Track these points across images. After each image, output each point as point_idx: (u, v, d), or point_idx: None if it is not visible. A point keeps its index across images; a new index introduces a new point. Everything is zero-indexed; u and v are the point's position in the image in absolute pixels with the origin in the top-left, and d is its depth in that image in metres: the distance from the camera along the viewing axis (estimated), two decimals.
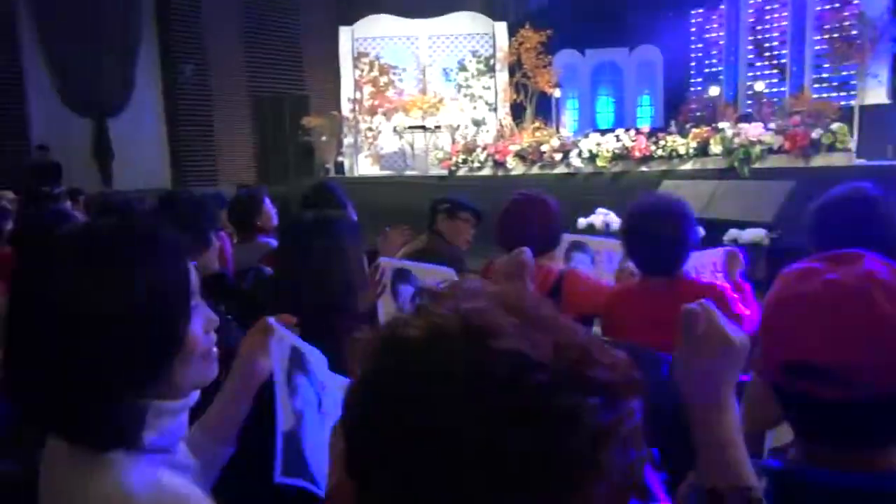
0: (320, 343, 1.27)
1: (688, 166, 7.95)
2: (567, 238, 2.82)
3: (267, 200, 3.57)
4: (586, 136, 9.10)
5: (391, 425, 0.53)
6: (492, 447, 0.50)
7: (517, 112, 11.07)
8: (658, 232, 2.04)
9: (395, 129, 11.52)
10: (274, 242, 3.49)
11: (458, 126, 11.27)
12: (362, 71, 12.20)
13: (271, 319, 1.18)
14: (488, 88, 12.12)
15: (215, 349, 0.97)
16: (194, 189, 7.15)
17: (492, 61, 12.05)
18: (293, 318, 1.24)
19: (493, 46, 12.15)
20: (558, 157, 8.89)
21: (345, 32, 12.63)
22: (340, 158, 11.80)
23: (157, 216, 2.41)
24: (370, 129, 11.96)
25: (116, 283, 0.84)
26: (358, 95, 12.23)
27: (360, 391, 0.57)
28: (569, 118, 11.71)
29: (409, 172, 10.84)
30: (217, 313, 2.15)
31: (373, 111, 11.87)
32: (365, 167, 12.02)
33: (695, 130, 8.15)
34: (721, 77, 10.76)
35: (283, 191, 7.74)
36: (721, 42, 11.00)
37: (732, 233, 5.77)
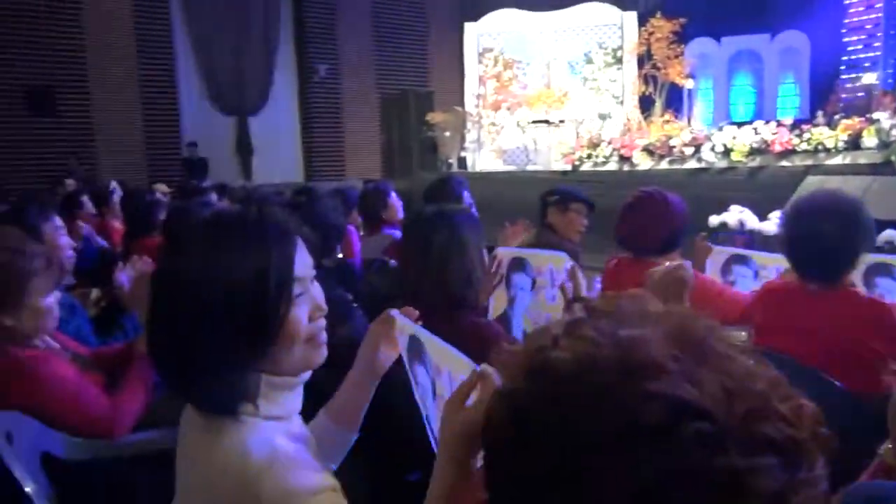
0: (440, 336, 1.29)
1: (836, 161, 7.32)
2: (727, 251, 2.58)
3: (393, 194, 3.67)
4: (720, 128, 8.60)
5: (532, 457, 0.49)
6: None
7: (645, 105, 10.66)
8: (819, 231, 1.84)
9: (518, 124, 11.47)
10: (398, 234, 3.59)
11: (583, 120, 11.03)
12: (486, 66, 12.24)
13: (394, 312, 1.21)
14: (615, 81, 11.78)
15: (323, 335, 1.01)
16: (325, 183, 7.48)
17: (619, 52, 11.69)
18: (415, 312, 1.26)
19: (622, 37, 11.78)
20: (689, 151, 8.47)
21: (470, 28, 12.74)
22: (463, 153, 11.91)
23: (292, 209, 2.54)
24: (493, 124, 11.98)
25: (225, 265, 0.92)
26: (482, 91, 12.29)
27: (502, 410, 0.53)
28: (701, 110, 11.14)
29: (531, 168, 10.76)
30: (345, 302, 2.24)
31: (496, 106, 11.88)
32: (487, 162, 12.07)
33: (845, 122, 7.49)
34: (877, 63, 9.80)
35: (407, 185, 7.93)
36: (878, 24, 10.02)
37: (888, 234, 5.25)
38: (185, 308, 0.92)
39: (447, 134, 11.82)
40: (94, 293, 2.68)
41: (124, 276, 2.40)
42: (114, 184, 5.87)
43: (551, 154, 10.62)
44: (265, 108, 13.52)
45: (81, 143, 11.62)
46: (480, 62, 12.46)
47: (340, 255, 2.89)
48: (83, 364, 1.89)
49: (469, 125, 12.17)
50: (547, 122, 10.84)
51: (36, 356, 1.74)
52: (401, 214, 3.69)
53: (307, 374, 1.03)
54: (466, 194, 3.32)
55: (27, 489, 1.48)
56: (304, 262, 0.99)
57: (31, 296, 1.74)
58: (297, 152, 14.09)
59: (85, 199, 5.61)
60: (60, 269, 2.19)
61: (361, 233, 3.79)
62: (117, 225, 4.98)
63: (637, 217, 2.43)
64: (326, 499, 0.90)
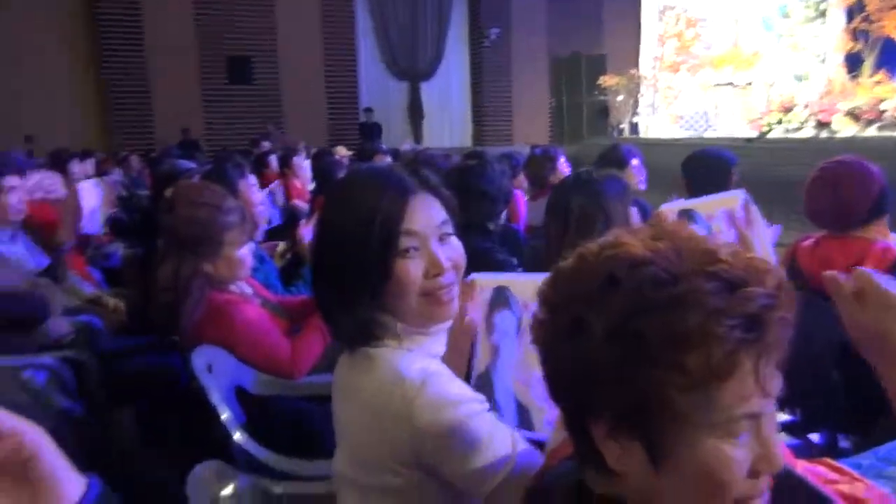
0: None
1: None
2: None
3: (561, 159, 3.60)
4: None
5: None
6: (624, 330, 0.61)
7: (852, 64, 9.47)
8: None
9: (699, 87, 10.73)
10: None
11: (774, 82, 10.05)
12: (666, 25, 11.52)
13: (472, 276, 1.22)
14: (817, 37, 10.57)
15: (447, 293, 1.03)
16: (493, 148, 7.51)
17: (823, 5, 10.45)
18: None
19: None
20: None
21: None
22: (636, 119, 11.39)
23: (461, 172, 2.57)
24: (670, 87, 11.30)
25: (344, 213, 1.01)
26: (660, 52, 11.61)
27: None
28: None
29: (710, 134, 10.05)
30: (509, 266, 2.23)
31: (675, 68, 11.17)
32: (662, 128, 11.45)
33: None
34: None
35: (575, 151, 7.74)
36: None
37: None
38: (324, 253, 1.04)
39: (619, 98, 11.36)
40: (281, 246, 2.91)
41: (306, 230, 2.58)
42: (301, 145, 6.31)
43: (735, 119, 9.83)
44: (437, 73, 13.81)
45: (272, 108, 12.62)
46: (660, 20, 11.75)
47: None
48: (271, 309, 2.07)
49: (643, 89, 11.59)
50: (732, 84, 10.02)
51: (231, 300, 1.93)
52: None
53: (441, 326, 1.06)
54: (637, 162, 3.18)
55: (223, 416, 1.66)
56: (425, 218, 1.01)
57: (227, 247, 1.93)
58: (466, 116, 14.29)
59: (272, 158, 6.10)
60: (253, 223, 2.40)
61: (527, 197, 3.77)
62: (298, 184, 5.37)
63: (826, 189, 2.17)
64: (476, 407, 0.95)
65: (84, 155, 6.32)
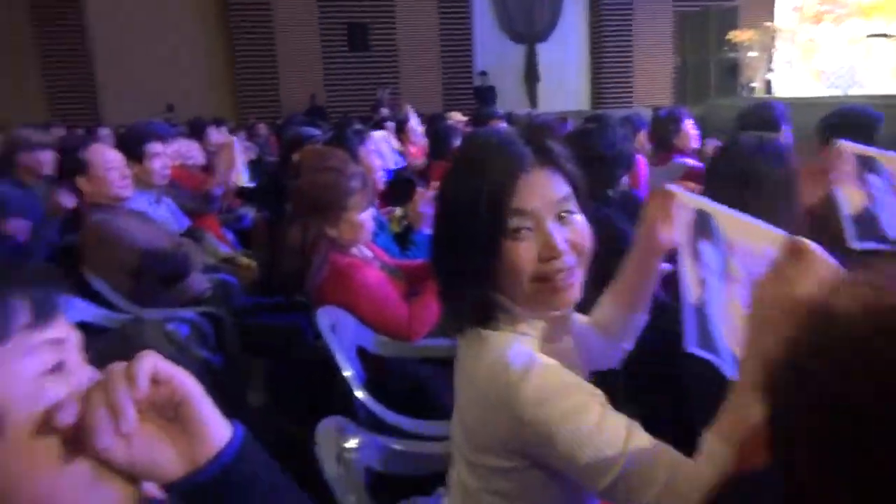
0: None
1: None
2: None
3: (687, 121, 3.41)
4: None
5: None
6: None
7: None
8: None
9: (846, 39, 9.77)
10: (691, 162, 3.35)
11: None
12: None
13: (673, 185, 1.11)
14: None
15: (566, 279, 0.95)
16: (612, 111, 7.26)
17: None
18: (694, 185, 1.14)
19: None
20: None
21: None
22: (769, 76, 10.58)
23: (579, 136, 2.50)
24: (811, 40, 10.37)
25: (455, 187, 0.97)
26: (800, 2, 10.67)
27: (786, 365, 0.49)
28: None
29: (856, 91, 9.17)
30: (627, 236, 2.16)
31: (818, 19, 10.23)
32: (800, 85, 10.57)
33: None
34: None
35: (700, 112, 7.31)
36: None
37: None
38: (441, 225, 1.01)
39: (752, 54, 10.56)
40: (398, 212, 2.98)
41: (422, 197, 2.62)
42: (407, 108, 6.38)
43: (888, 75, 8.89)
44: (554, 34, 13.44)
45: (389, 74, 12.81)
46: None
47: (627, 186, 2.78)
48: (390, 273, 2.13)
49: (779, 43, 10.71)
50: (885, 35, 9.05)
51: (353, 263, 2.00)
52: (695, 143, 3.43)
53: (560, 313, 1.00)
54: (786, 127, 2.87)
55: (346, 374, 1.73)
56: (540, 196, 0.94)
57: (350, 211, 1.99)
58: (583, 79, 13.86)
59: (389, 125, 6.21)
60: (374, 188, 2.46)
61: (650, 161, 3.62)
62: (413, 150, 5.43)
63: None
64: (582, 400, 0.90)
65: (218, 123, 6.72)
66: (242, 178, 3.56)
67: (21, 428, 0.53)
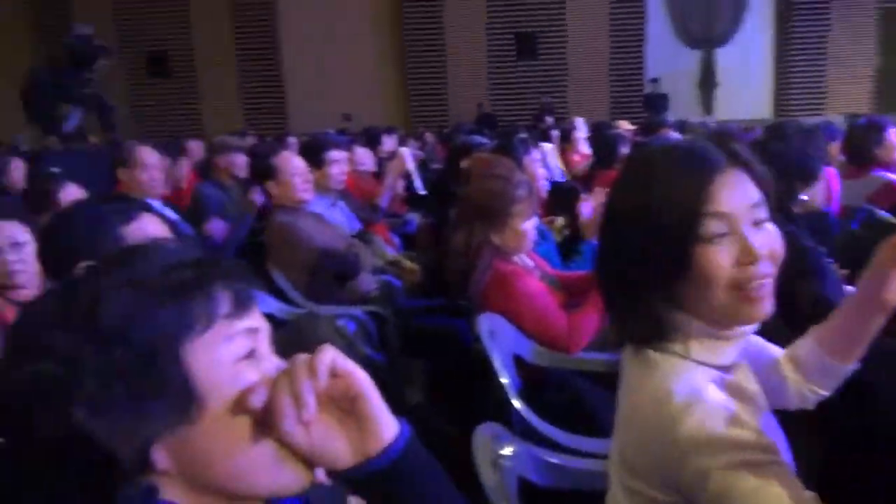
0: None
1: None
2: None
3: (891, 130, 3.06)
4: None
5: None
6: None
7: None
8: None
9: None
10: (892, 176, 3.00)
11: None
12: None
13: None
14: None
15: (761, 288, 0.87)
16: (801, 120, 6.68)
17: None
18: None
19: None
20: None
21: None
22: None
23: (760, 147, 2.33)
24: None
25: (635, 194, 0.91)
26: None
27: None
28: None
29: None
30: (814, 254, 1.97)
31: None
32: None
33: None
34: None
35: None
36: None
37: None
38: (611, 236, 0.96)
39: None
40: (560, 221, 2.95)
41: (586, 206, 2.57)
42: (579, 121, 6.29)
43: None
44: (734, 38, 12.64)
45: (556, 82, 12.75)
46: None
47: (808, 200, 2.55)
48: (550, 283, 2.11)
49: None
50: None
51: (515, 271, 2.01)
52: None
53: (749, 329, 0.93)
54: None
55: (503, 381, 1.74)
56: (736, 198, 0.87)
57: (515, 218, 2.00)
58: (766, 84, 12.89)
59: (554, 133, 6.17)
60: (537, 197, 2.45)
61: (842, 175, 3.28)
62: (577, 158, 5.35)
63: None
64: (744, 458, 0.80)
65: (390, 131, 7.08)
66: (417, 186, 3.70)
67: (219, 408, 0.59)
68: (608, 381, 1.04)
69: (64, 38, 6.78)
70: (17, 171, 4.11)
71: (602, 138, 4.41)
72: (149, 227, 1.34)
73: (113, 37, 11.16)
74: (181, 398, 0.57)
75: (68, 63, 6.38)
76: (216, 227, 3.55)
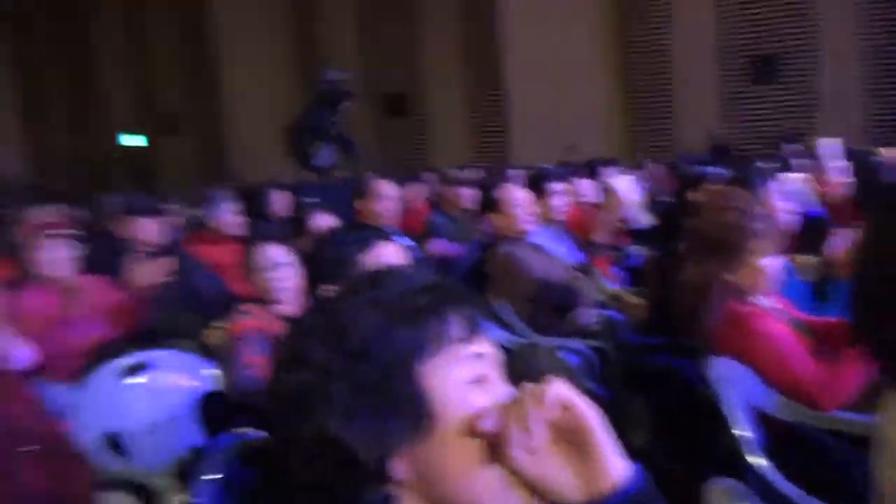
0: None
1: None
2: None
3: None
4: None
5: None
6: None
7: None
8: None
9: None
10: None
11: None
12: None
13: None
14: None
15: None
16: None
17: None
18: None
19: None
20: None
21: None
22: None
23: None
24: None
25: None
26: None
27: None
28: None
29: None
30: None
31: None
32: None
33: None
34: None
35: None
36: None
37: None
38: (872, 270, 0.87)
39: None
40: (810, 258, 2.65)
41: (837, 240, 2.30)
42: (829, 142, 5.62)
43: None
44: None
45: (802, 106, 11.61)
46: None
47: None
48: (796, 327, 1.90)
49: None
50: None
51: (753, 312, 1.85)
52: None
53: None
54: None
55: (737, 432, 1.59)
56: None
57: (752, 254, 1.84)
58: None
59: (801, 162, 5.60)
60: (780, 232, 2.24)
61: None
62: (828, 186, 4.77)
63: None
64: None
65: (613, 163, 6.95)
66: (642, 219, 3.55)
67: (450, 427, 0.61)
68: (858, 441, 0.91)
69: (319, 82, 7.68)
70: (280, 200, 4.71)
71: (861, 167, 3.91)
72: (385, 254, 1.46)
73: (356, 79, 12.46)
74: (416, 415, 0.61)
75: (321, 105, 7.20)
76: (438, 246, 3.75)
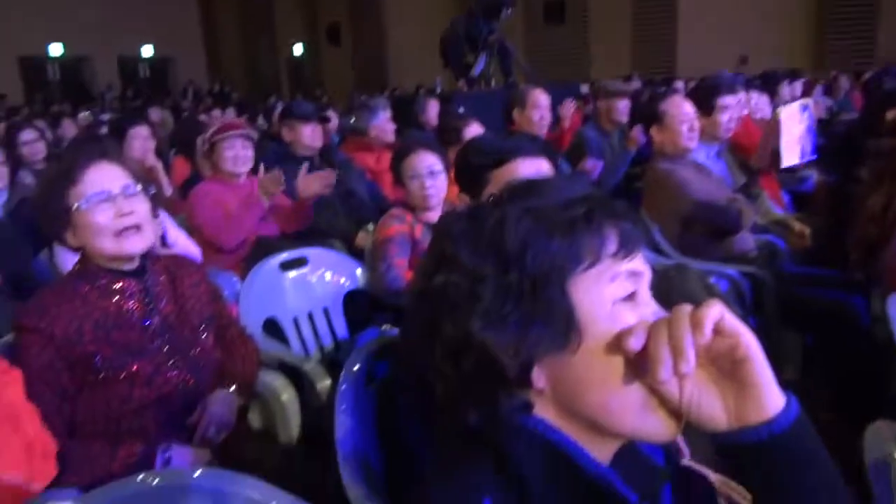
0: None
1: None
2: None
3: None
4: None
5: None
6: None
7: None
8: None
9: None
10: None
11: None
12: None
13: None
14: None
15: None
16: None
17: None
18: None
19: None
20: None
21: None
22: None
23: None
24: None
25: None
26: None
27: None
28: None
29: None
30: None
31: None
32: None
33: None
34: None
35: None
36: None
37: None
38: None
39: None
40: None
41: None
42: None
43: None
44: None
45: None
46: None
47: None
48: None
49: None
50: None
51: None
52: None
53: None
54: None
55: None
56: None
57: None
58: None
59: None
60: None
61: None
62: None
63: None
64: None
65: (793, 76, 6.24)
66: (794, 157, 3.12)
67: (595, 343, 0.60)
68: None
69: None
70: (433, 109, 4.74)
71: None
72: (535, 166, 1.42)
73: None
74: (562, 327, 0.60)
75: (479, 14, 7.04)
76: (594, 165, 3.62)
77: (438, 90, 8.20)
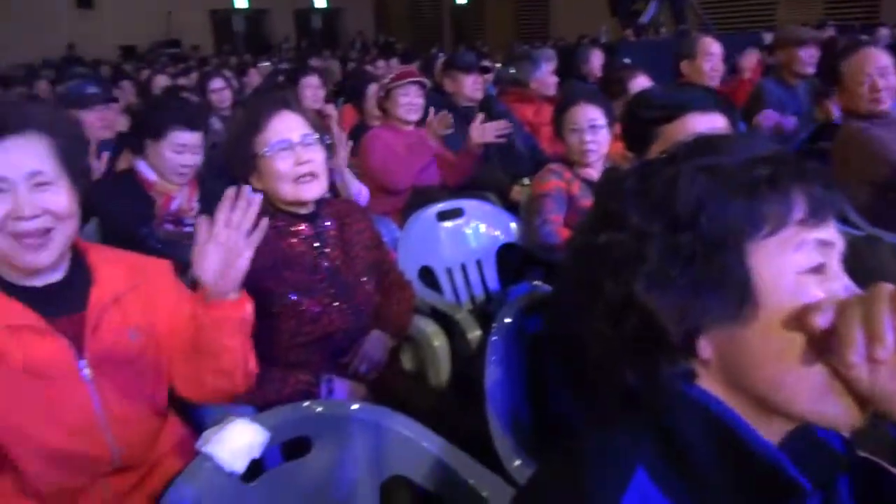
0: None
1: None
2: None
3: None
4: None
5: None
6: None
7: None
8: None
9: None
10: None
11: None
12: None
13: None
14: None
15: None
16: None
17: None
18: None
19: None
20: None
21: None
22: None
23: None
24: None
25: None
26: None
27: None
28: None
29: None
30: None
31: None
32: None
33: None
34: None
35: None
36: None
37: None
38: None
39: None
40: None
41: None
42: None
43: None
44: None
45: None
46: None
47: None
48: None
49: None
50: None
51: None
52: None
53: None
54: None
55: None
56: None
57: None
58: None
59: None
60: None
61: None
62: None
63: None
64: None
65: None
66: None
67: (773, 316, 0.55)
68: None
69: None
70: (596, 60, 4.55)
71: None
72: (707, 120, 1.32)
73: None
74: (737, 296, 0.55)
75: None
76: (769, 116, 3.31)
77: (603, 40, 7.85)
